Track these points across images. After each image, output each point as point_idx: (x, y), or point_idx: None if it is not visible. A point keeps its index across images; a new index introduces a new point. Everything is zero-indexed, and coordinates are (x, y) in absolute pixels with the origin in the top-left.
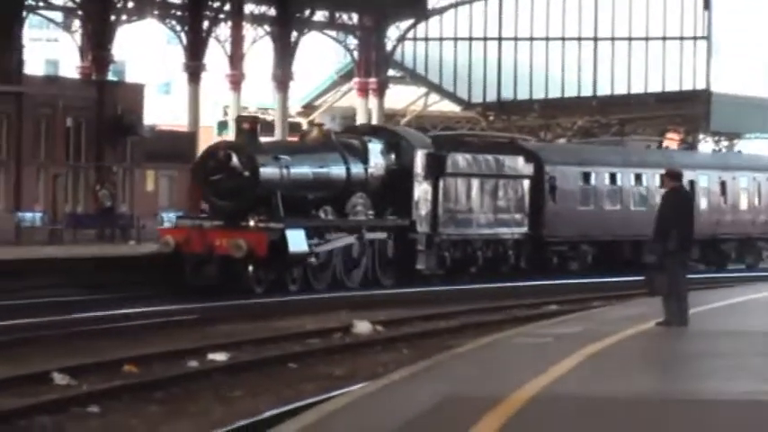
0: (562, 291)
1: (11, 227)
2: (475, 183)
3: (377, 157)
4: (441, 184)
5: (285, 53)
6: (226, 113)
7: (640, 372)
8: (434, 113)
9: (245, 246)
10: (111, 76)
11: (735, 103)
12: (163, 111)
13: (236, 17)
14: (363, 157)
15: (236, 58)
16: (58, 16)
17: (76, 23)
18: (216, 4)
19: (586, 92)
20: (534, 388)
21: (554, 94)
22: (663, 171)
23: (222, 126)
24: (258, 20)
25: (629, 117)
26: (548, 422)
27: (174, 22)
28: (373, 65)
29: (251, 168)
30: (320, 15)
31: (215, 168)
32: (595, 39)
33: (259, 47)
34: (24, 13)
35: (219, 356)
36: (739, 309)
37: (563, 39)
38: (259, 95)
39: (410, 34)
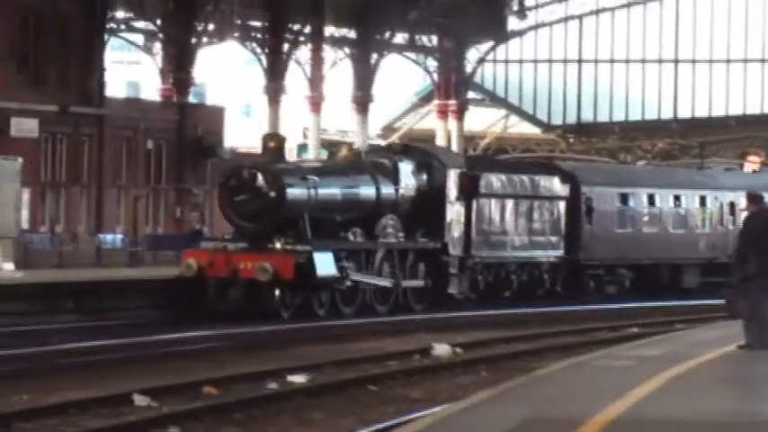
0: (642, 313)
1: (92, 249)
2: (509, 204)
3: (408, 178)
4: (474, 205)
5: (365, 75)
6: (306, 136)
7: (722, 394)
8: (514, 136)
9: (271, 269)
10: (191, 99)
11: None
12: (243, 133)
13: (316, 39)
14: (394, 178)
15: (315, 80)
16: (139, 39)
17: (157, 46)
18: (296, 27)
19: (667, 114)
20: (616, 410)
21: (634, 116)
22: (701, 192)
23: (302, 148)
24: (338, 42)
25: (710, 140)
26: None
27: (254, 45)
28: (453, 87)
29: (277, 188)
30: (400, 38)
31: (240, 188)
32: (676, 61)
33: (339, 69)
34: (106, 36)
35: (299, 378)
36: None
37: (643, 61)
38: (339, 117)
39: (490, 56)
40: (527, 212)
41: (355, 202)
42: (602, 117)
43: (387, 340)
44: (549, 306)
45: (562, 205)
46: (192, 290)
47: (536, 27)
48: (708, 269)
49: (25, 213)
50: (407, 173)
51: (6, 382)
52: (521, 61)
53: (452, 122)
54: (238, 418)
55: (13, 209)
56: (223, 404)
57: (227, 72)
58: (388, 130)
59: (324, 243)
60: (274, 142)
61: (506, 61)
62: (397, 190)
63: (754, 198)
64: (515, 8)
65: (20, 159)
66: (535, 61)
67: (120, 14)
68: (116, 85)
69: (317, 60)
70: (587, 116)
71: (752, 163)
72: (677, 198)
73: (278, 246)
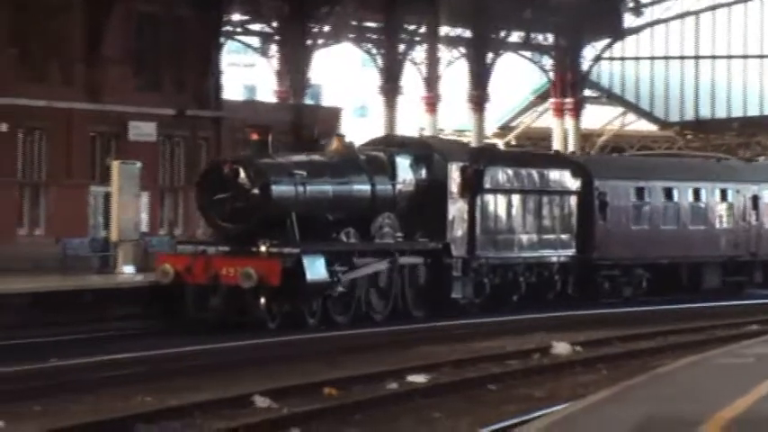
0: (761, 310)
1: None
2: (516, 199)
3: (406, 173)
4: (478, 201)
5: (480, 74)
6: (422, 136)
7: None
8: (631, 133)
9: (256, 275)
10: (307, 100)
11: None
12: (359, 133)
13: (432, 39)
14: (390, 173)
15: (431, 80)
16: (255, 42)
17: (273, 48)
18: (411, 27)
19: None
20: (738, 408)
21: (753, 111)
22: (723, 185)
23: None
24: (453, 42)
25: None
26: None
27: (369, 46)
28: (569, 85)
29: (261, 185)
30: (515, 36)
31: (220, 186)
32: None
33: (455, 68)
34: (222, 39)
35: (419, 378)
36: None
37: (761, 56)
38: (455, 117)
39: (606, 54)
40: (536, 209)
41: (348, 199)
42: (720, 113)
43: (506, 339)
44: (665, 304)
45: (573, 200)
46: (169, 298)
47: (652, 24)
48: (729, 268)
49: (144, 217)
50: (405, 167)
51: (128, 384)
52: (637, 58)
53: (569, 121)
54: (358, 419)
55: (132, 212)
56: (343, 405)
57: (342, 73)
58: (505, 128)
59: (314, 245)
60: (258, 133)
61: (623, 59)
62: (394, 186)
63: None
64: (631, 5)
65: (138, 163)
66: (652, 58)
67: (236, 17)
68: (233, 88)
69: (432, 60)
70: (705, 112)
71: None
72: (696, 192)
73: (263, 249)
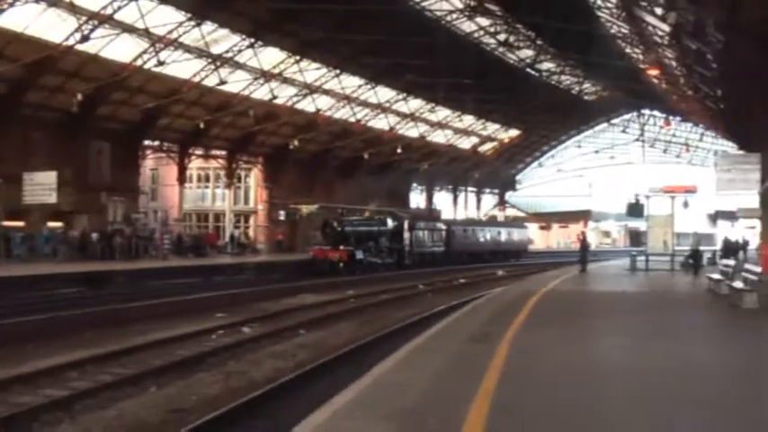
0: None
1: None
2: (426, 232)
3: (390, 223)
4: (413, 232)
5: (478, 201)
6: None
7: (575, 284)
8: (517, 215)
9: (338, 257)
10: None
11: None
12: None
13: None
14: (385, 223)
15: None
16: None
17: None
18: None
19: None
20: (546, 289)
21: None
22: (494, 230)
23: None
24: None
25: None
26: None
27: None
28: (501, 203)
29: (341, 227)
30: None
31: (328, 228)
32: None
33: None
34: (412, 188)
35: (423, 287)
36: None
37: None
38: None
39: (509, 194)
40: (431, 234)
41: (371, 232)
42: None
43: (464, 273)
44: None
45: (444, 230)
46: (312, 264)
47: (525, 187)
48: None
49: None
50: (390, 222)
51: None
52: (524, 195)
53: (500, 212)
54: (401, 305)
55: None
56: (398, 296)
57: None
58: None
59: (359, 247)
60: (338, 214)
61: (518, 195)
62: (386, 227)
63: None
64: (517, 179)
65: None
66: (533, 196)
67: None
68: (415, 203)
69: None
70: (550, 209)
71: None
72: (484, 230)
73: (341, 248)
